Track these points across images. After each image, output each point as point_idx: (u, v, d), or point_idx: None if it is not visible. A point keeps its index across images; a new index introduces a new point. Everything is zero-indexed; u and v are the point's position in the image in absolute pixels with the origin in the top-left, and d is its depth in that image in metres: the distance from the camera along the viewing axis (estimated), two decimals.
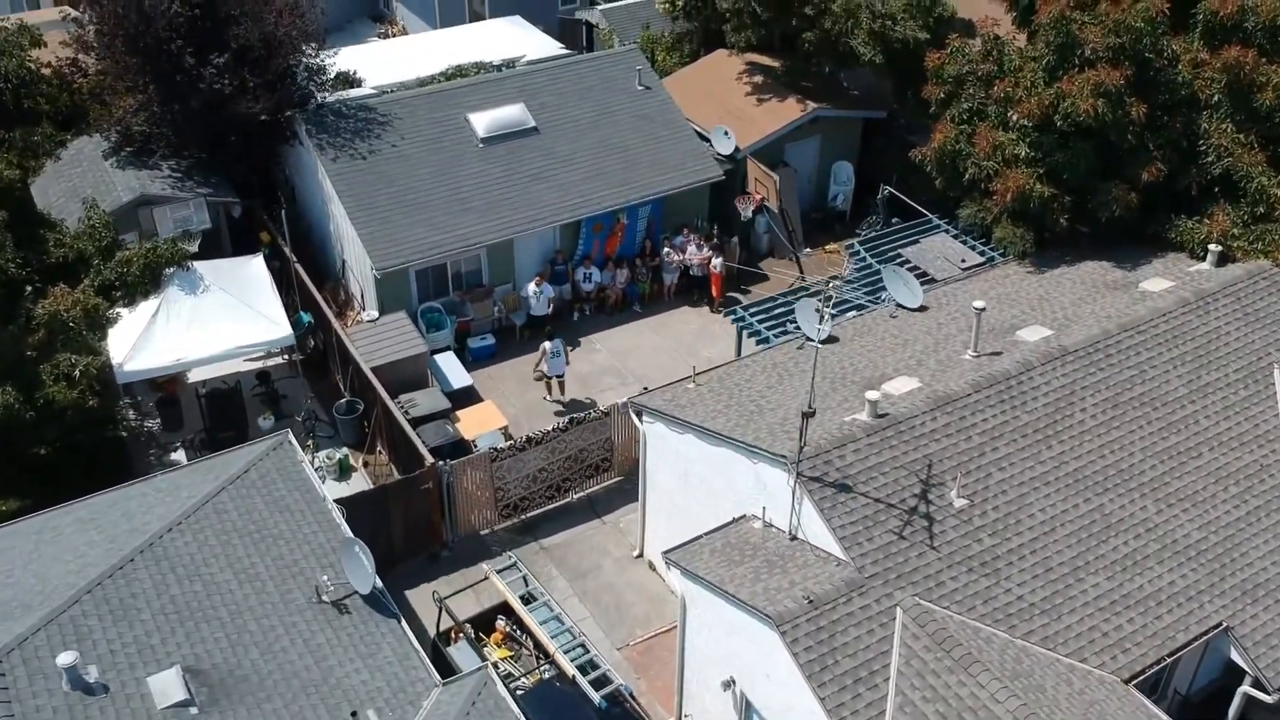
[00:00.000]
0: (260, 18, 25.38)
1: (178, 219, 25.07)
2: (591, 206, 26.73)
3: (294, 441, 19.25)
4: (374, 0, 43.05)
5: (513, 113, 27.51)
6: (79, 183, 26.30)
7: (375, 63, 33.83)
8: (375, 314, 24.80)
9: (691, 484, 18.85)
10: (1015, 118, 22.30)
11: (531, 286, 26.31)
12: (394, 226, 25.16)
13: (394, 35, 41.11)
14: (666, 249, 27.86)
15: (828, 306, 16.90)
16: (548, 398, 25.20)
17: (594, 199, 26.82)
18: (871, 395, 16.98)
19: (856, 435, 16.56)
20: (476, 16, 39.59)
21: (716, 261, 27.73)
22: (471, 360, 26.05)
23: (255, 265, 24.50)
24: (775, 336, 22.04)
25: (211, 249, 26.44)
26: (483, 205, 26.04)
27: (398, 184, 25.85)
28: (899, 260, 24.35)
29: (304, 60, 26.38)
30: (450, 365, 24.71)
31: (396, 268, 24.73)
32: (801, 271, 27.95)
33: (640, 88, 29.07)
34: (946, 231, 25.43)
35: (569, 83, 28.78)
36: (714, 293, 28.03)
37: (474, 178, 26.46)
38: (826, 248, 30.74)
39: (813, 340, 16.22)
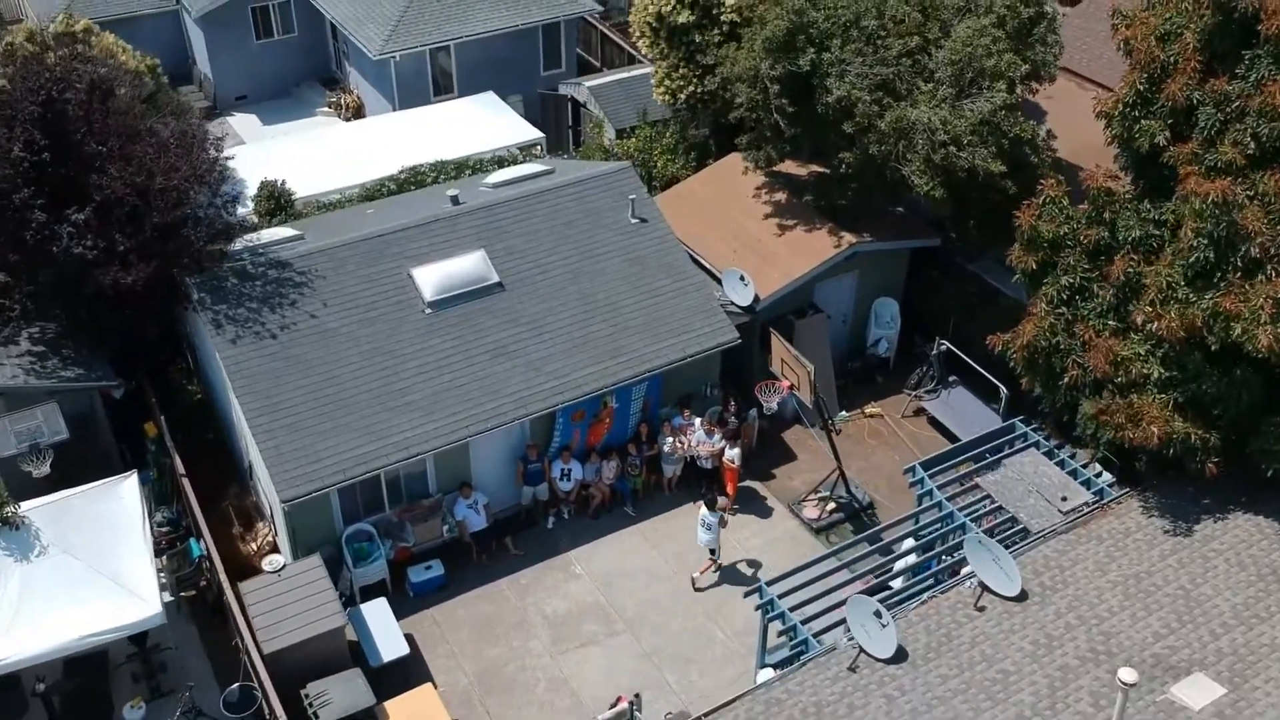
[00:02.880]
0: (132, 160, 19.23)
1: (21, 432, 19.02)
2: (570, 390, 20.68)
3: None
4: (325, 60, 36.82)
5: (470, 265, 21.42)
6: None
7: (312, 160, 27.92)
8: (281, 562, 18.76)
9: None
10: (1144, 321, 16.27)
11: (462, 504, 20.43)
12: (309, 435, 19.13)
13: (346, 104, 34.99)
14: (667, 436, 21.83)
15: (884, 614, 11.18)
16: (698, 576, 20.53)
17: (573, 380, 20.77)
18: None
19: None
20: (442, 89, 33.43)
21: (732, 454, 21.70)
22: (413, 596, 20.12)
23: (123, 495, 18.49)
24: (815, 640, 15.97)
25: (85, 444, 20.50)
26: (428, 395, 20.00)
27: (316, 372, 19.80)
28: (976, 497, 18.36)
29: (196, 213, 20.17)
30: (380, 623, 18.77)
31: (309, 496, 18.72)
32: (837, 455, 21.91)
33: (634, 221, 22.96)
34: (1033, 435, 19.40)
35: (542, 217, 22.66)
36: (728, 490, 22.00)
37: (418, 356, 20.39)
38: (866, 410, 24.69)
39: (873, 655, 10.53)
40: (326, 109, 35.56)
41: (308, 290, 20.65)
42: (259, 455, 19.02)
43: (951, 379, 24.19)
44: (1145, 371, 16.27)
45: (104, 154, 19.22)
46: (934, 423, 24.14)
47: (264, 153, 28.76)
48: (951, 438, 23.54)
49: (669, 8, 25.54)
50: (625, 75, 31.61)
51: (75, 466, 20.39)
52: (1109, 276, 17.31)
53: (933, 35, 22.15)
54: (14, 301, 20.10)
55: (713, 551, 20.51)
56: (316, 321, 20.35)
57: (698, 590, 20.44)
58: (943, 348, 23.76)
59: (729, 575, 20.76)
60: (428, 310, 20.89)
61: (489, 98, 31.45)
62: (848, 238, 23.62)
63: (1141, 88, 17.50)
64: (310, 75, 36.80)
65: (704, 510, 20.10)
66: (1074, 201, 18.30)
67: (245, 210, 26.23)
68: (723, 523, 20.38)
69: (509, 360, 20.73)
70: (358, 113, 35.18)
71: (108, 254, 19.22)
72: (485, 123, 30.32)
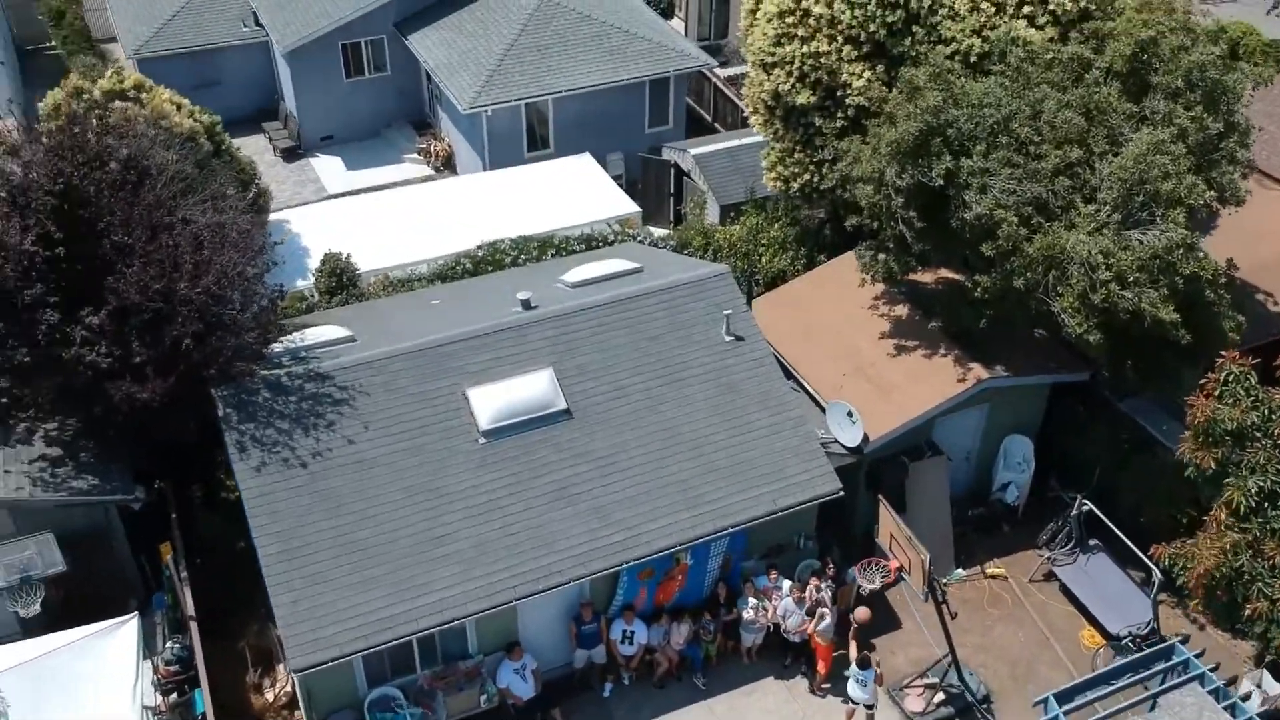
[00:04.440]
0: (153, 261, 16.83)
1: (11, 564, 16.77)
2: (639, 547, 17.71)
3: None
4: (418, 102, 34.45)
5: (534, 387, 18.58)
6: None
7: (385, 226, 25.51)
8: None
9: None
10: None
11: (508, 667, 17.62)
12: (332, 589, 16.51)
13: (435, 152, 32.60)
14: (749, 599, 18.72)
15: None
16: None
17: (644, 534, 17.79)
18: None
19: None
20: (537, 144, 30.77)
21: (824, 625, 18.50)
22: None
23: (113, 649, 16.07)
24: None
25: (96, 561, 18.30)
26: (473, 545, 17.23)
27: (348, 511, 17.18)
28: None
29: (226, 319, 17.66)
30: None
31: (327, 665, 16.08)
32: (950, 639, 18.48)
33: (728, 338, 19.89)
34: (1196, 664, 15.80)
35: (624, 329, 19.73)
36: (819, 667, 18.80)
37: (466, 496, 17.64)
38: (987, 568, 21.19)
39: None
40: (415, 155, 33.23)
41: (348, 409, 18.05)
42: (274, 608, 16.47)
43: (1092, 542, 20.58)
44: None
45: (125, 249, 16.86)
46: (1066, 592, 20.56)
47: (333, 215, 26.47)
48: (1087, 613, 20.01)
49: (787, 86, 22.39)
50: (735, 143, 28.51)
51: (88, 584, 18.29)
52: None
53: (1098, 147, 18.60)
54: (26, 403, 17.91)
55: (870, 708, 17.82)
56: (355, 449, 17.73)
57: None
58: (1083, 509, 20.15)
59: None
60: (482, 440, 18.13)
61: (585, 162, 28.69)
62: (978, 371, 20.19)
63: None
64: (401, 117, 34.51)
65: (854, 668, 17.78)
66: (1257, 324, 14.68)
67: (305, 284, 24.08)
68: (879, 679, 17.87)
69: (570, 505, 17.84)
70: (447, 162, 32.80)
71: (123, 363, 16.88)
72: (578, 191, 27.61)
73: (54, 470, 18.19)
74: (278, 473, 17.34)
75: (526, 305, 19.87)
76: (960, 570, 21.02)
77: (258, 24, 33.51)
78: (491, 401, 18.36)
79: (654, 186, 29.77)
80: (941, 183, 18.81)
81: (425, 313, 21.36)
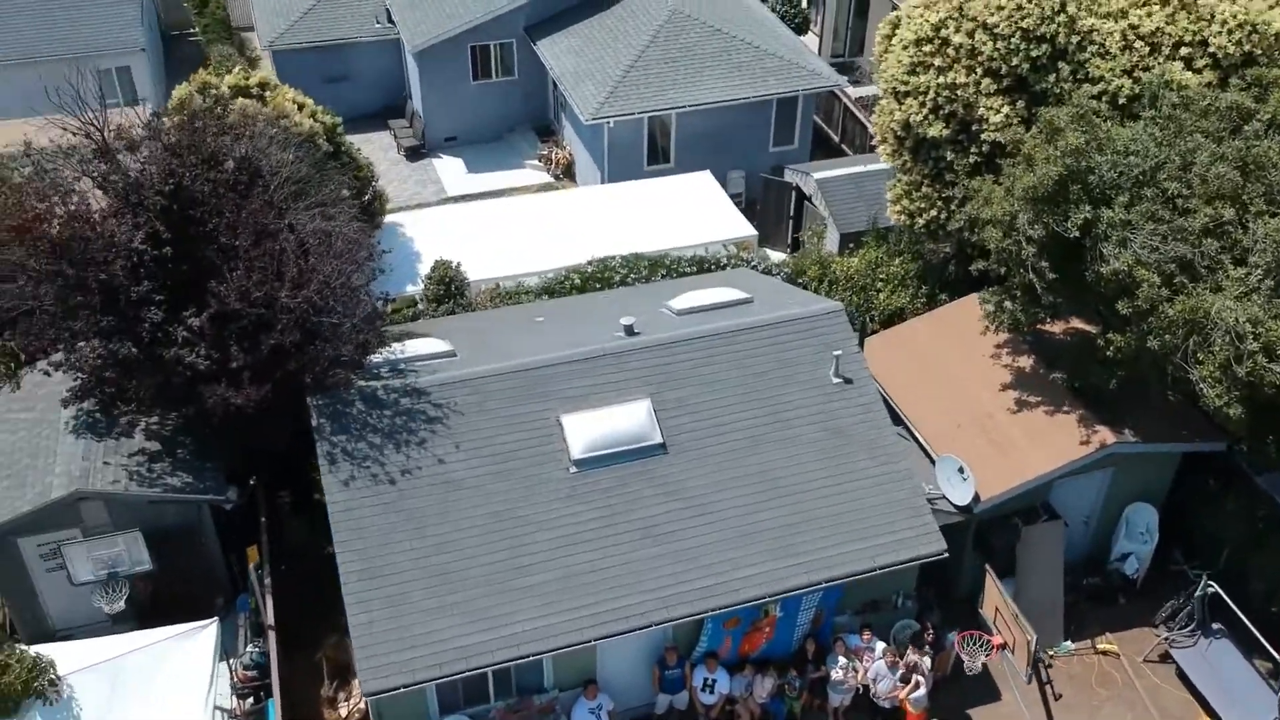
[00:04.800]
0: (256, 267, 16.71)
1: (100, 559, 16.88)
2: (727, 595, 16.98)
3: None
4: (543, 107, 34.20)
5: (631, 418, 18.00)
6: (16, 440, 18.63)
7: (498, 235, 25.24)
8: None
9: None
10: None
11: (584, 706, 17.06)
12: (410, 613, 16.17)
13: (556, 159, 32.32)
14: (839, 657, 17.84)
15: None
16: None
17: (733, 581, 17.06)
18: None
19: None
20: (658, 157, 30.22)
21: (918, 694, 17.52)
22: None
23: (193, 652, 16.03)
24: None
25: (188, 559, 18.40)
26: (557, 578, 16.72)
27: (432, 533, 16.85)
28: None
29: (325, 329, 17.46)
30: None
31: (399, 690, 15.75)
32: (1051, 715, 17.33)
33: (836, 380, 19.01)
34: None
35: (729, 363, 19.01)
36: None
37: (553, 526, 17.15)
38: (1099, 643, 19.87)
39: None
40: (536, 162, 32.96)
41: (441, 427, 17.72)
42: (351, 629, 16.21)
43: (1215, 625, 19.15)
44: None
45: (230, 253, 16.79)
46: (1183, 676, 19.16)
47: (448, 220, 26.31)
48: (1204, 703, 18.59)
49: (919, 117, 21.36)
50: (861, 169, 27.50)
51: (177, 581, 18.37)
52: None
53: (1254, 206, 17.19)
54: (129, 396, 18.02)
55: None
56: (444, 469, 17.39)
57: None
58: (1209, 589, 18.75)
59: None
60: (573, 469, 17.62)
61: (704, 180, 28.00)
62: (1104, 434, 18.92)
63: None
64: (526, 121, 34.28)
65: None
66: None
67: (415, 289, 23.95)
68: None
69: (658, 545, 17.20)
70: (567, 170, 32.46)
71: (221, 366, 16.82)
72: (695, 210, 26.94)
73: (151, 465, 18.31)
74: (366, 488, 17.09)
75: (630, 331, 19.29)
76: (1069, 643, 19.76)
77: (390, 21, 33.64)
78: (586, 430, 17.83)
79: (774, 208, 28.93)
80: (1078, 234, 17.63)
81: (528, 329, 20.94)
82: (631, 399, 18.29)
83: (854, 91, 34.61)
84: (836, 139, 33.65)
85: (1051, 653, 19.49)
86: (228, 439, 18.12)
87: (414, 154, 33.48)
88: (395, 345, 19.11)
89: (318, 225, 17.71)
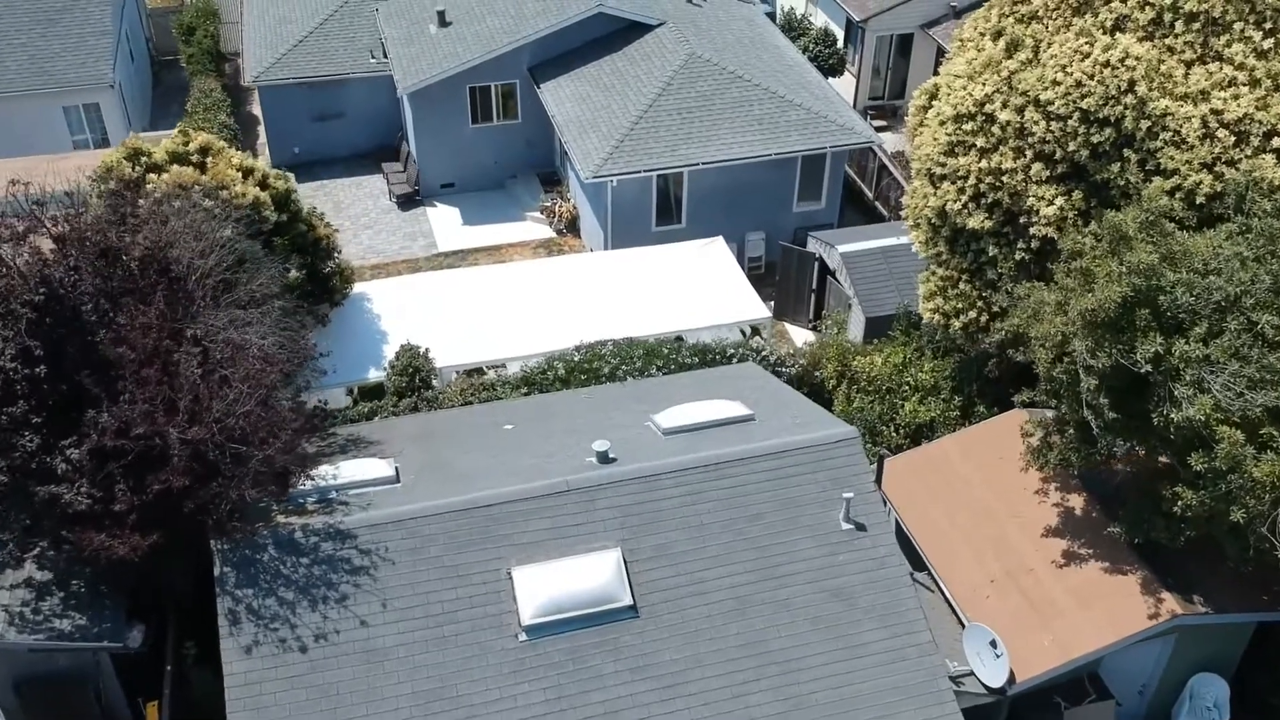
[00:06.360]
0: (143, 392, 13.91)
1: None
2: None
3: None
4: (549, 154, 31.32)
5: (597, 574, 15.01)
6: None
7: (477, 311, 22.46)
8: None
9: None
10: None
11: None
12: None
13: (559, 213, 29.48)
14: None
15: None
16: None
17: None
18: None
19: None
20: (667, 216, 27.30)
21: None
22: None
23: None
24: None
25: (81, 706, 15.69)
26: None
27: (345, 718, 13.96)
28: None
29: (236, 474, 14.58)
30: None
31: None
32: None
33: (845, 527, 15.91)
34: None
35: (719, 502, 15.95)
36: None
37: (490, 714, 14.17)
38: None
39: None
40: (538, 214, 30.09)
41: (367, 581, 14.84)
42: None
43: None
44: None
45: (108, 378, 14.00)
46: None
47: (422, 291, 23.45)
48: None
49: (958, 205, 18.24)
50: (892, 242, 24.33)
51: None
52: None
53: None
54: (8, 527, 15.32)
55: None
56: (366, 634, 14.50)
57: None
58: None
59: None
60: (523, 637, 14.67)
61: (716, 249, 24.96)
62: (1170, 603, 15.71)
63: None
64: (529, 169, 31.43)
65: None
66: None
67: (378, 375, 21.18)
68: None
69: None
70: (571, 224, 29.60)
71: (105, 506, 14.07)
72: (704, 285, 23.94)
73: (37, 604, 15.56)
74: (271, 656, 14.24)
75: (603, 458, 16.32)
76: None
77: (385, 56, 30.95)
78: (541, 587, 14.88)
79: (794, 280, 25.87)
80: (1149, 368, 14.45)
81: (492, 442, 18.06)
82: (599, 547, 15.32)
83: (892, 141, 31.47)
84: (869, 195, 30.52)
85: None
86: (123, 578, 15.39)
87: (407, 202, 30.75)
88: (326, 469, 16.27)
89: (229, 335, 14.88)
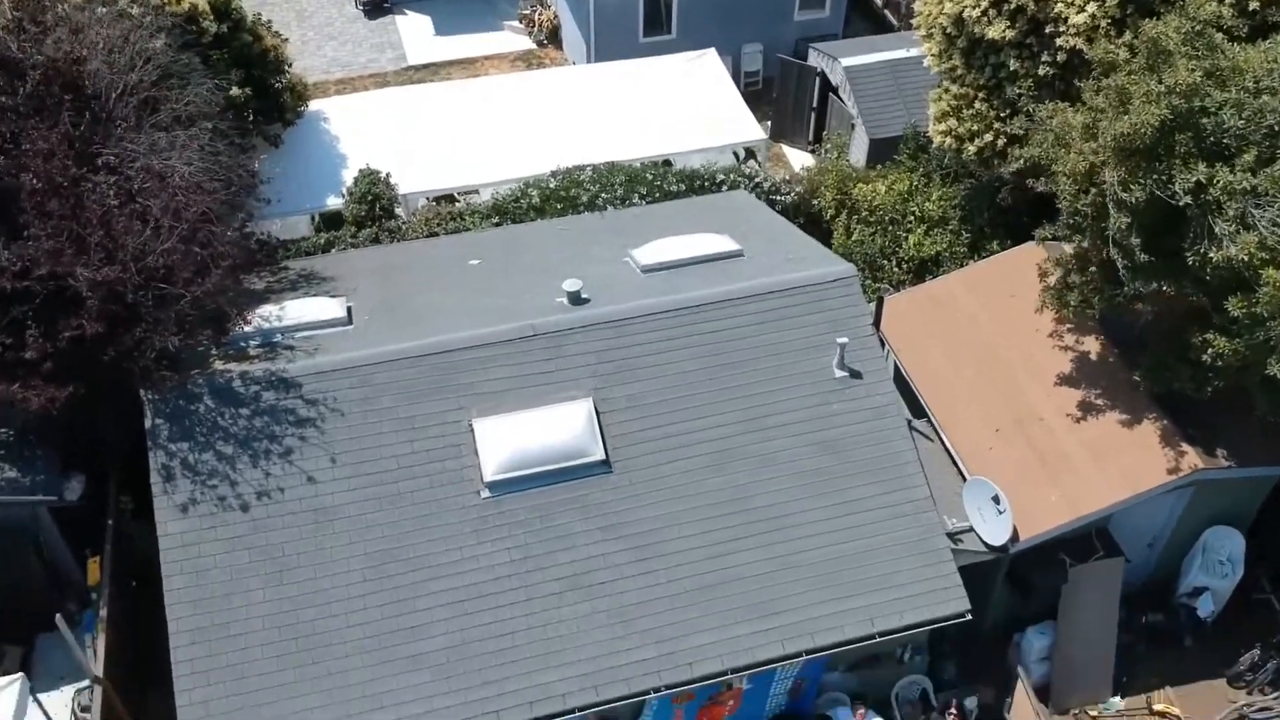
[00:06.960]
0: (45, 231, 12.28)
1: None
2: (677, 670, 13.01)
3: None
4: None
5: (566, 425, 13.74)
6: None
7: (445, 131, 20.65)
8: None
9: None
10: None
11: None
12: (257, 690, 12.39)
13: (540, 22, 27.16)
14: None
15: None
16: None
17: (684, 652, 13.07)
18: None
19: None
20: (656, 26, 25.02)
21: None
22: None
23: None
24: None
25: (22, 564, 14.74)
26: (452, 644, 12.80)
27: (293, 579, 12.90)
28: None
29: (160, 319, 13.07)
30: None
31: None
32: None
33: (839, 374, 14.55)
34: None
35: (702, 348, 14.56)
36: None
37: (450, 576, 13.12)
38: (1155, 701, 15.86)
39: None
40: (517, 24, 27.72)
41: (314, 433, 13.58)
42: (178, 708, 12.49)
43: None
44: None
45: (16, 205, 12.36)
46: None
47: (387, 108, 21.45)
48: None
49: (976, 11, 16.16)
50: (901, 55, 22.16)
51: (11, 594, 14.75)
52: None
53: None
54: None
55: None
56: (314, 491, 13.33)
57: None
58: None
59: None
60: (485, 494, 13.50)
61: (708, 62, 22.79)
62: (1191, 456, 14.47)
63: None
64: None
65: None
66: None
67: (338, 202, 19.53)
68: None
69: (589, 600, 13.20)
70: (553, 35, 27.30)
71: (16, 355, 12.66)
72: (693, 103, 21.91)
73: None
74: (210, 516, 13.10)
75: (575, 299, 14.82)
76: (1118, 699, 15.78)
77: None
78: (505, 440, 13.62)
79: (793, 98, 23.79)
80: (1188, 197, 12.76)
81: (457, 278, 16.54)
82: (568, 397, 13.99)
83: None
84: (879, 1, 28.05)
85: (1095, 713, 15.58)
86: (51, 432, 14.13)
87: (375, 9, 28.30)
88: (270, 309, 14.82)
89: (148, 162, 13.15)
